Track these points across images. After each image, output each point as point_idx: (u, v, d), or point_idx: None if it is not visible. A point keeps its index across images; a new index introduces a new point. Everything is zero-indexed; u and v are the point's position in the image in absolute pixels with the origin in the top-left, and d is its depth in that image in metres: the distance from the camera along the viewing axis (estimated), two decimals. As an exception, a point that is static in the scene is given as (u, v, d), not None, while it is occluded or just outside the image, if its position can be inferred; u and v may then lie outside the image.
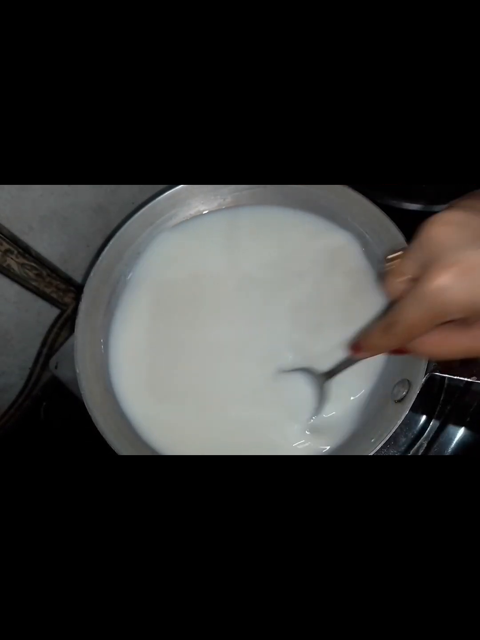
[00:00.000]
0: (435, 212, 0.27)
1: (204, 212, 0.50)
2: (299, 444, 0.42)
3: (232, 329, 0.45)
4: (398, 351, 0.32)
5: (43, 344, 0.55)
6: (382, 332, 0.31)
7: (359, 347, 0.35)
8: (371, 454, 0.37)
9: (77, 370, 0.43)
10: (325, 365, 0.41)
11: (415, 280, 0.27)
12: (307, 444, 0.41)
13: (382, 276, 0.32)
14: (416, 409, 0.45)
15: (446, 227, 0.26)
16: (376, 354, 0.35)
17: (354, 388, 0.42)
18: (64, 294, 0.53)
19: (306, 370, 0.42)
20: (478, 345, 0.28)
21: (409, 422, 0.45)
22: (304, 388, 0.42)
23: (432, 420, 0.45)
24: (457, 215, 0.26)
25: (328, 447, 0.41)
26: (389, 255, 0.32)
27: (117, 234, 0.46)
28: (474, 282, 0.25)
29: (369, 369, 0.42)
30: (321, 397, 0.41)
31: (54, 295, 0.52)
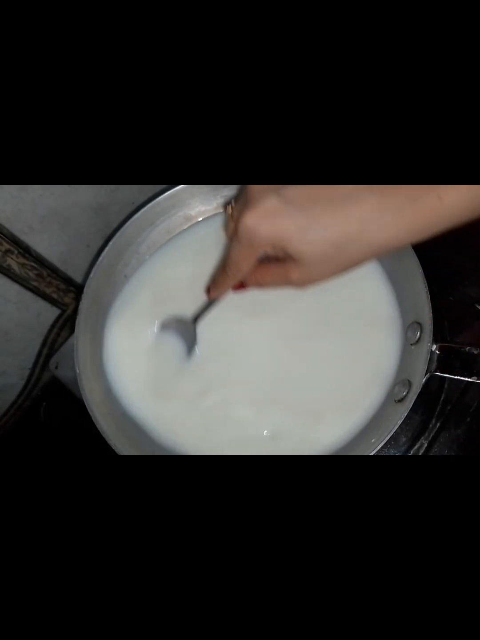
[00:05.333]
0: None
1: (202, 217, 0.50)
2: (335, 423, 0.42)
3: (231, 329, 0.46)
4: (239, 287, 0.41)
5: (43, 344, 0.55)
6: (221, 273, 0.39)
7: (209, 290, 0.43)
8: (372, 453, 0.37)
9: (77, 370, 0.43)
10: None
11: None
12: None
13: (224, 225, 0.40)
14: (416, 409, 0.45)
15: None
16: (223, 292, 0.42)
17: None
18: (64, 294, 0.53)
19: (179, 320, 0.46)
20: (288, 275, 0.34)
21: (409, 421, 0.45)
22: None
23: (433, 420, 0.45)
24: None
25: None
26: (226, 205, 0.39)
27: (117, 234, 0.46)
28: (271, 225, 0.31)
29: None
30: (192, 340, 0.45)
31: (54, 295, 0.52)
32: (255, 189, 0.32)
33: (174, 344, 0.46)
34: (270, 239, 0.31)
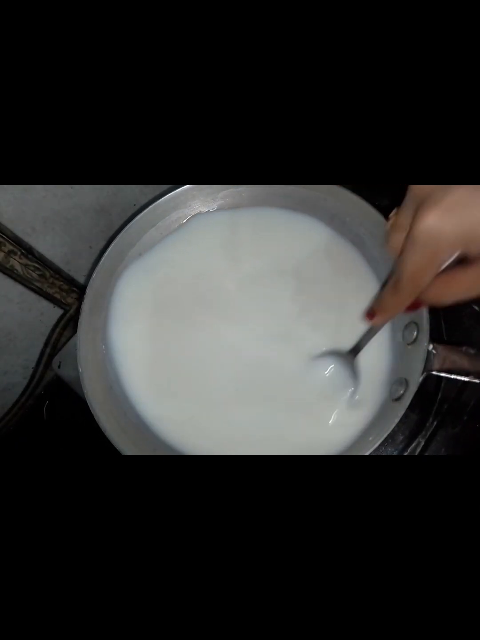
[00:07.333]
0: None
1: (204, 212, 0.50)
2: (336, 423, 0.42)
3: (233, 328, 0.46)
4: (412, 306, 0.32)
5: (46, 344, 0.55)
6: (392, 292, 0.31)
7: (373, 314, 0.35)
8: (370, 451, 0.38)
9: (80, 370, 0.44)
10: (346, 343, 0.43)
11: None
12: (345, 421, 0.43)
13: (386, 238, 0.33)
14: (414, 408, 0.45)
15: None
16: (392, 317, 0.35)
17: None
18: (67, 294, 0.53)
19: (334, 353, 0.43)
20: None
21: (406, 420, 0.46)
22: (333, 371, 0.43)
23: (430, 418, 0.46)
24: None
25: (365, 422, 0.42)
26: (388, 217, 0.33)
27: (119, 236, 0.47)
28: (459, 217, 0.25)
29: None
30: (354, 374, 0.42)
31: (57, 296, 0.52)
32: (427, 187, 0.27)
33: (335, 377, 0.43)
34: (457, 238, 0.26)
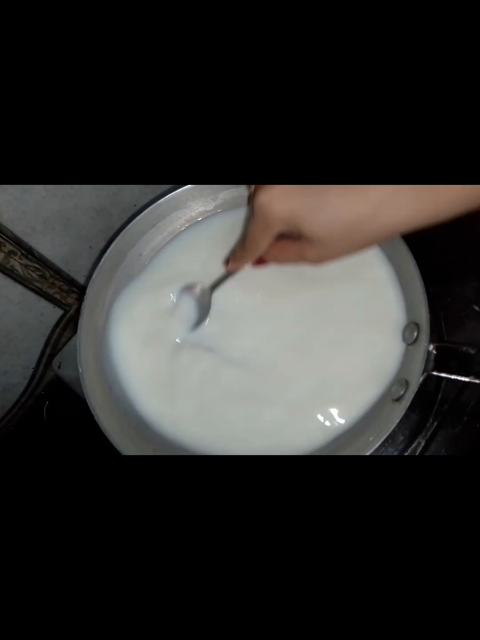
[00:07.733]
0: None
1: (204, 216, 0.51)
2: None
3: (229, 324, 0.46)
4: (258, 262, 0.42)
5: (46, 344, 0.55)
6: (241, 248, 0.41)
7: (229, 261, 0.44)
8: (370, 452, 0.38)
9: (80, 370, 0.44)
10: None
11: None
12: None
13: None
14: (414, 408, 0.45)
15: None
16: (243, 266, 0.43)
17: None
18: (67, 294, 0.53)
19: (198, 284, 0.47)
20: (303, 253, 0.36)
21: (407, 420, 0.46)
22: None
23: (430, 419, 0.46)
24: None
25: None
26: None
27: (120, 236, 0.47)
28: (282, 203, 0.32)
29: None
30: (206, 309, 0.47)
31: (57, 296, 0.52)
32: None
33: (187, 311, 0.47)
34: (283, 218, 0.33)
